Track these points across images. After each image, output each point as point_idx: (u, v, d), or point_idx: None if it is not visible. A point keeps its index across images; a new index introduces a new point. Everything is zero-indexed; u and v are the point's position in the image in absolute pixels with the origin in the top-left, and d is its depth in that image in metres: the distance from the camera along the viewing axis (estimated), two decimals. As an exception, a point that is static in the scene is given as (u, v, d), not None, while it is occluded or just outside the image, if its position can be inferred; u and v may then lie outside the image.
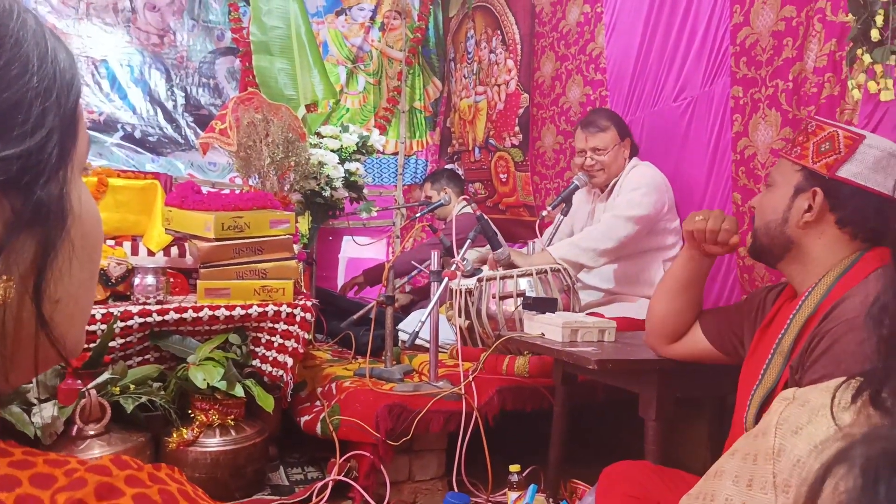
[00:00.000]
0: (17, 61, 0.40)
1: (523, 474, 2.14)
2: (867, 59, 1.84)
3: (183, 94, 4.42)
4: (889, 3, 1.80)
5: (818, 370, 1.08)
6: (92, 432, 2.01)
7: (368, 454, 2.15)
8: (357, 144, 3.27)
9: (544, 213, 2.82)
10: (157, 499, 0.36)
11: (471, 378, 2.28)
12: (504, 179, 3.99)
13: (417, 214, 3.66)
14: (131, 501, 0.35)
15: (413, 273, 3.04)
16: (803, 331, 1.16)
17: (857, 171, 1.18)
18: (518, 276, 2.39)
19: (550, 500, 2.08)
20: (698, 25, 2.63)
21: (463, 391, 2.24)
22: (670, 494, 1.48)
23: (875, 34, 1.81)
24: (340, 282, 4.64)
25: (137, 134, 4.27)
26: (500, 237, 2.50)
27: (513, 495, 2.05)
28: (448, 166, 4.61)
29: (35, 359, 0.43)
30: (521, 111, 3.80)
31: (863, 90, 1.86)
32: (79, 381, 2.06)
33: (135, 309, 2.22)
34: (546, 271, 2.40)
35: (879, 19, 1.81)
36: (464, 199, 3.59)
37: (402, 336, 2.85)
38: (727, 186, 2.49)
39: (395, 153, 4.76)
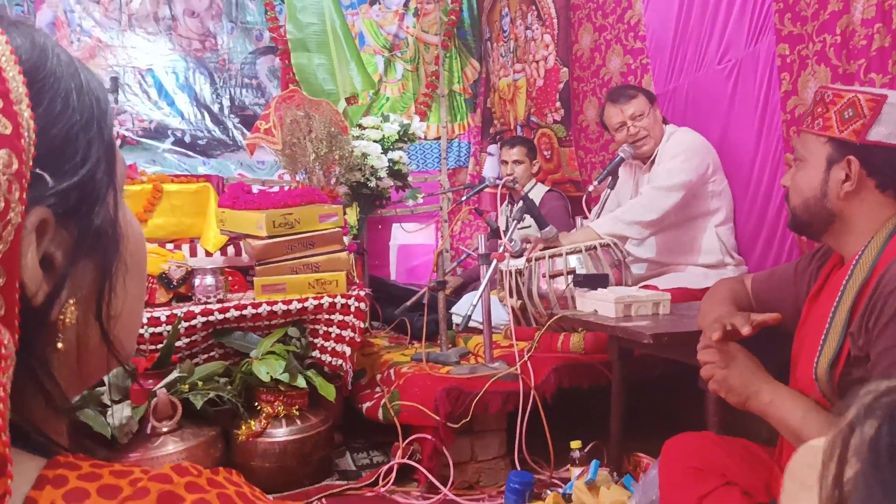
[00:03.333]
0: (59, 98, 0.42)
1: (585, 450, 2.15)
2: (919, 4, 1.76)
3: (228, 97, 4.53)
4: (941, -57, 1.72)
5: (890, 336, 1.05)
6: (165, 429, 2.10)
7: (430, 437, 2.19)
8: (399, 133, 3.30)
9: (591, 188, 2.79)
10: (216, 503, 0.39)
11: (526, 358, 2.29)
12: (548, 156, 3.97)
13: (463, 198, 3.67)
14: None
15: (462, 257, 3.05)
16: (860, 296, 1.14)
17: (888, 131, 1.15)
18: (567, 253, 2.38)
19: (614, 474, 2.09)
20: (739, -16, 2.55)
21: (519, 371, 2.25)
22: (734, 465, 1.47)
23: (927, -22, 1.74)
24: (393, 269, 4.71)
25: (187, 139, 4.39)
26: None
27: (576, 471, 2.06)
28: (492, 146, 4.60)
29: (106, 369, 0.47)
30: (561, 86, 3.76)
31: (916, 38, 1.78)
32: (149, 382, 2.16)
33: (197, 309, 2.30)
34: (595, 247, 2.39)
35: (931, -38, 1.73)
36: (534, 177, 3.63)
37: (456, 319, 2.88)
38: (778, 147, 2.42)
39: (438, 138, 4.77)
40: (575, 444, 2.11)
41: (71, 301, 0.42)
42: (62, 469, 0.39)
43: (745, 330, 1.25)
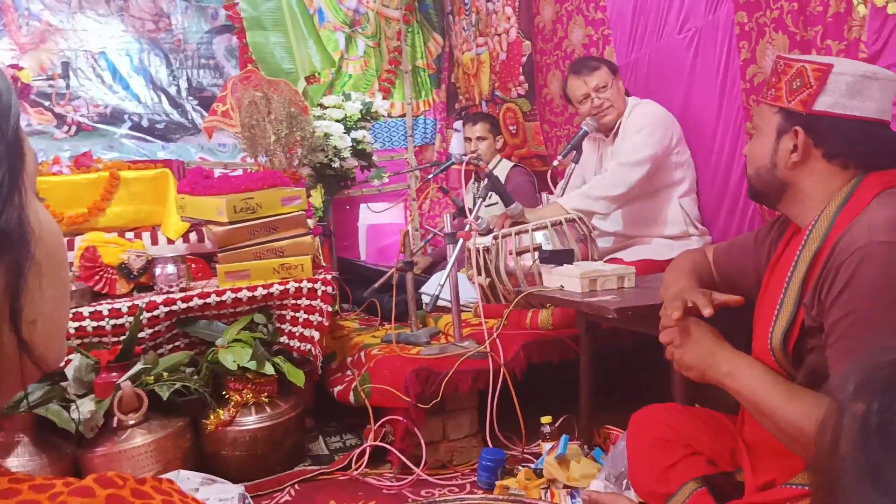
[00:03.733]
0: None
1: (555, 425, 2.17)
2: (873, -30, 1.77)
3: (185, 78, 4.41)
4: None
5: (843, 306, 1.06)
6: (132, 422, 2.07)
7: (402, 418, 2.19)
8: (361, 112, 3.25)
9: (555, 162, 2.79)
10: None
11: (495, 336, 2.29)
12: (514, 131, 3.94)
13: (430, 176, 3.64)
14: None
15: (429, 237, 3.03)
16: (812, 267, 1.14)
17: (833, 101, 1.15)
18: (533, 229, 2.37)
19: (584, 447, 2.11)
20: (697, -49, 2.53)
21: (488, 349, 2.25)
22: (699, 435, 1.50)
23: (880, -57, 1.74)
24: (363, 249, 4.67)
25: (145, 123, 4.29)
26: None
27: (546, 446, 2.08)
28: (458, 122, 4.56)
29: (22, 379, 0.44)
30: (524, 59, 3.73)
31: (869, 5, 1.79)
32: (113, 374, 2.12)
33: (159, 299, 2.26)
34: (561, 222, 2.39)
35: (884, -73, 1.73)
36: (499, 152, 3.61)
37: (426, 299, 2.87)
38: (739, 116, 2.43)
39: (403, 115, 4.72)
40: (545, 419, 2.13)
41: None
42: None
43: (707, 311, 1.25)
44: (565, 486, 1.87)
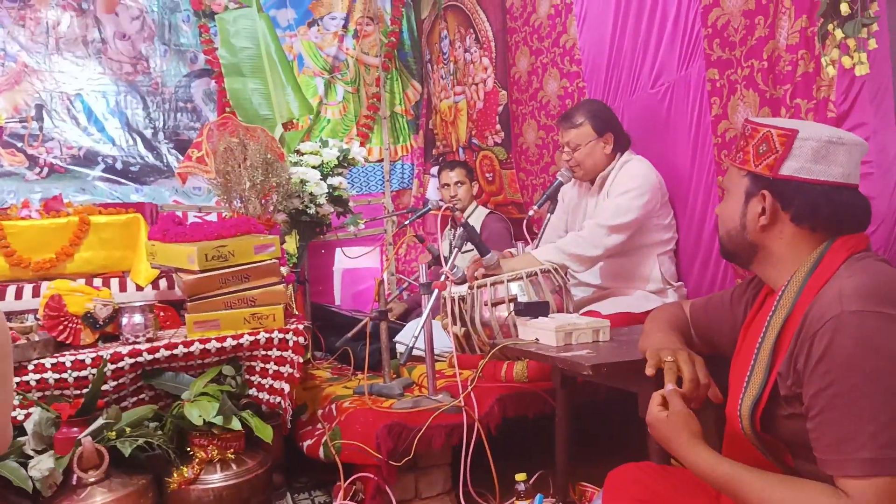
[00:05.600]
0: None
1: (530, 482, 2.12)
2: (839, 34, 1.82)
3: (161, 121, 4.40)
4: (856, -25, 1.77)
5: (820, 378, 1.04)
6: (92, 479, 1.98)
7: (373, 475, 2.13)
8: (338, 158, 3.24)
9: (531, 212, 2.79)
10: None
11: (470, 389, 2.25)
12: (490, 178, 3.96)
13: (407, 222, 3.63)
14: None
15: (403, 286, 3.01)
16: (783, 333, 1.14)
17: (798, 165, 1.16)
18: (508, 280, 2.36)
19: (560, 504, 2.06)
20: (669, 9, 2.60)
21: (463, 403, 2.21)
22: (676, 496, 1.46)
23: (845, 8, 1.79)
24: (338, 294, 4.62)
25: (119, 165, 4.25)
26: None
27: (521, 504, 2.03)
28: (434, 168, 4.58)
29: None
30: (500, 108, 3.77)
31: (837, 66, 1.83)
32: (74, 429, 2.04)
33: (124, 350, 2.19)
34: (536, 273, 2.37)
35: (848, -8, 1.79)
36: (476, 200, 3.62)
37: (400, 348, 2.83)
38: (711, 170, 2.46)
39: (381, 160, 4.73)
40: (520, 476, 2.08)
41: None
42: None
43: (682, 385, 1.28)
44: (540, 548, 1.82)
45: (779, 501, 1.06)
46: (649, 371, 1.39)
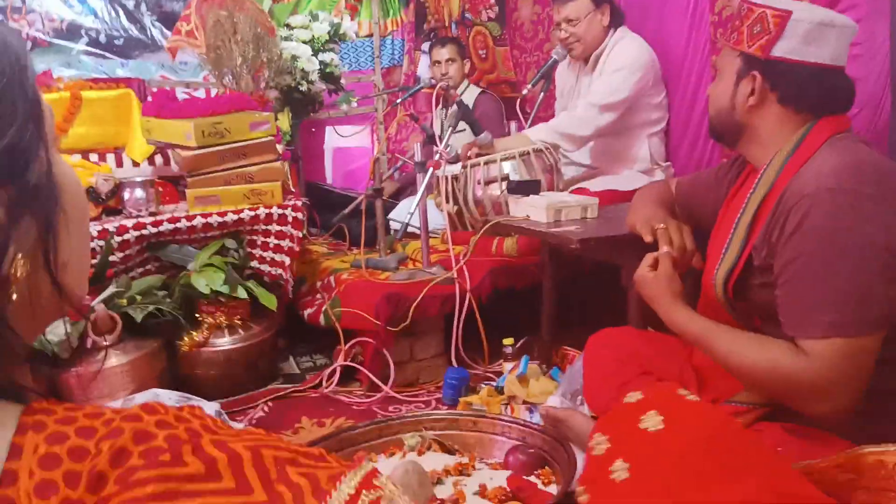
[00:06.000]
0: None
1: (517, 346, 2.28)
2: None
3: (143, -9, 4.23)
4: None
5: (792, 249, 1.13)
6: (107, 343, 2.12)
7: (371, 340, 2.28)
8: (329, 33, 3.19)
9: (525, 91, 2.80)
10: (185, 436, 0.43)
11: (462, 263, 2.37)
12: (483, 55, 3.91)
13: (398, 101, 3.62)
14: (164, 442, 0.42)
15: (398, 165, 3.06)
16: (761, 209, 1.22)
17: (790, 47, 1.19)
18: (501, 159, 2.41)
19: (543, 367, 2.23)
20: None
21: (455, 275, 2.33)
22: (651, 356, 1.60)
23: None
24: (329, 173, 4.66)
25: (103, 38, 4.13)
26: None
27: (508, 366, 2.20)
28: (425, 44, 4.49)
29: (60, 313, 0.49)
30: (495, -19, 3.66)
31: (837, -57, 1.82)
32: (86, 297, 2.15)
33: (129, 223, 2.27)
34: (528, 153, 2.43)
35: None
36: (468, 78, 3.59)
37: (395, 225, 2.92)
38: (706, 50, 2.47)
39: (370, 35, 4.61)
40: (507, 340, 2.24)
41: (19, 255, 0.44)
42: (39, 415, 0.43)
43: (669, 247, 1.41)
44: (524, 402, 2.00)
45: (744, 353, 1.19)
46: (648, 238, 1.49)
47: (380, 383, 2.28)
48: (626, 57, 2.52)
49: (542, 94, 2.82)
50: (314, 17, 3.21)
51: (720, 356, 1.23)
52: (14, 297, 0.45)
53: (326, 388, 2.32)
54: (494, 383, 2.17)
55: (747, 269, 1.24)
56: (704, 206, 1.58)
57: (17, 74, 0.45)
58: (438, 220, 2.83)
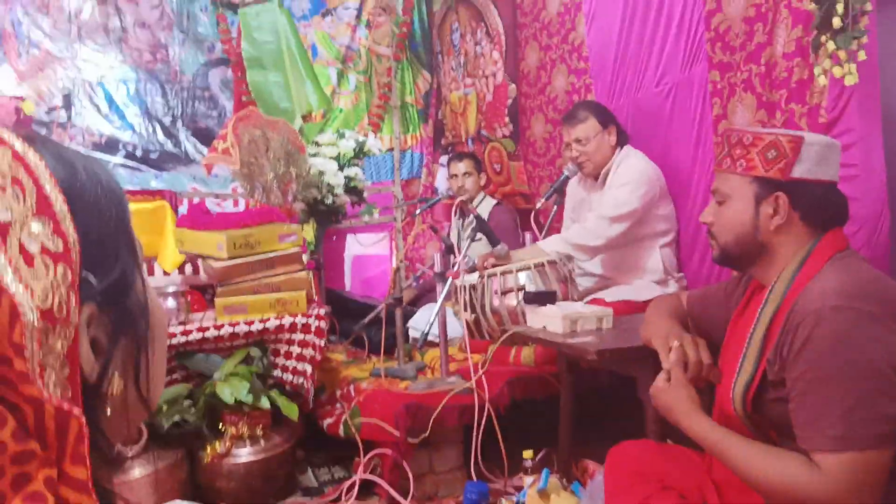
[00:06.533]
0: (90, 207, 0.48)
1: (536, 459, 2.27)
2: (831, 45, 1.94)
3: (179, 109, 4.52)
4: (849, -10, 1.89)
5: (801, 364, 1.18)
6: (132, 453, 2.15)
7: (390, 451, 2.29)
8: (354, 150, 3.38)
9: (539, 204, 2.93)
10: None
11: (481, 373, 2.40)
12: (498, 169, 4.09)
13: (417, 211, 3.77)
14: None
15: (418, 274, 3.15)
16: (773, 323, 1.28)
17: (807, 167, 1.29)
18: (517, 270, 2.50)
19: (563, 480, 2.22)
20: (674, 11, 2.71)
21: (474, 385, 2.37)
22: (671, 470, 1.61)
23: (837, 22, 1.91)
24: (348, 280, 4.77)
25: (139, 152, 4.38)
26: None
27: (528, 479, 2.18)
28: (443, 157, 4.71)
29: (141, 419, 0.55)
30: (509, 101, 3.89)
31: (828, 75, 1.96)
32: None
33: (159, 332, 2.34)
34: (543, 263, 2.52)
35: (840, 7, 1.91)
36: (484, 190, 3.75)
37: (413, 333, 2.98)
38: (710, 168, 2.59)
39: (391, 149, 4.85)
40: (527, 453, 2.24)
41: (116, 373, 0.50)
42: None
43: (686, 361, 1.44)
44: (546, 518, 1.98)
45: (760, 465, 1.21)
46: (666, 364, 1.51)
47: (399, 498, 2.26)
48: (632, 172, 2.65)
49: (555, 206, 2.95)
50: (340, 136, 3.41)
51: (738, 467, 1.26)
52: (108, 411, 0.49)
53: (346, 501, 2.31)
54: (515, 497, 2.16)
55: (762, 384, 1.29)
56: (715, 321, 1.63)
57: (119, 214, 0.51)
58: (456, 328, 2.89)
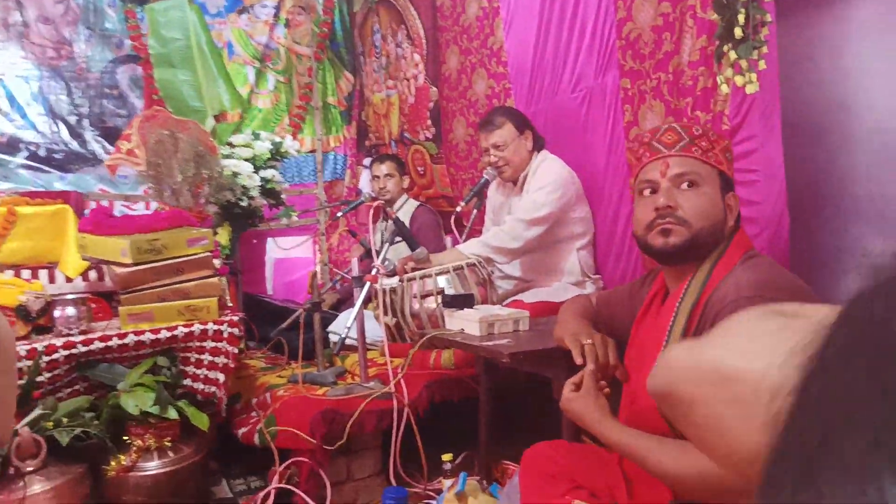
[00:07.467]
0: None
1: (456, 461, 2.27)
2: (733, 55, 2.01)
3: (86, 107, 4.31)
4: (749, 2, 1.97)
5: None
6: (30, 469, 2.02)
7: (307, 460, 2.24)
8: (270, 151, 3.30)
9: (458, 207, 2.94)
10: None
11: (400, 377, 2.38)
12: (422, 172, 4.09)
13: (340, 213, 3.72)
14: None
15: (337, 279, 3.10)
16: (692, 316, 1.33)
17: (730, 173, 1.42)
18: (436, 274, 2.50)
19: (483, 482, 2.22)
20: (588, 19, 2.77)
21: (393, 390, 2.34)
22: (583, 470, 1.64)
23: (738, 32, 1.99)
24: (270, 284, 4.66)
25: (42, 152, 4.15)
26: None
27: (447, 483, 2.18)
28: (367, 159, 4.67)
29: None
30: (431, 105, 3.89)
31: (731, 84, 2.04)
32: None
33: (59, 342, 2.22)
34: (462, 267, 2.52)
35: (741, 18, 1.99)
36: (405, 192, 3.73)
37: (333, 338, 2.93)
38: (624, 172, 2.66)
39: (313, 150, 4.77)
40: (446, 456, 2.23)
41: None
42: None
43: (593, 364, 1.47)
44: (464, 522, 1.97)
45: (671, 462, 1.24)
46: (579, 360, 1.53)
47: (315, 505, 2.22)
48: (549, 176, 2.70)
49: (475, 210, 2.96)
50: (256, 137, 3.33)
51: (651, 466, 1.28)
52: None
53: (260, 511, 2.25)
54: (434, 502, 2.15)
55: None
56: (622, 319, 1.68)
57: None
58: (376, 331, 2.86)
